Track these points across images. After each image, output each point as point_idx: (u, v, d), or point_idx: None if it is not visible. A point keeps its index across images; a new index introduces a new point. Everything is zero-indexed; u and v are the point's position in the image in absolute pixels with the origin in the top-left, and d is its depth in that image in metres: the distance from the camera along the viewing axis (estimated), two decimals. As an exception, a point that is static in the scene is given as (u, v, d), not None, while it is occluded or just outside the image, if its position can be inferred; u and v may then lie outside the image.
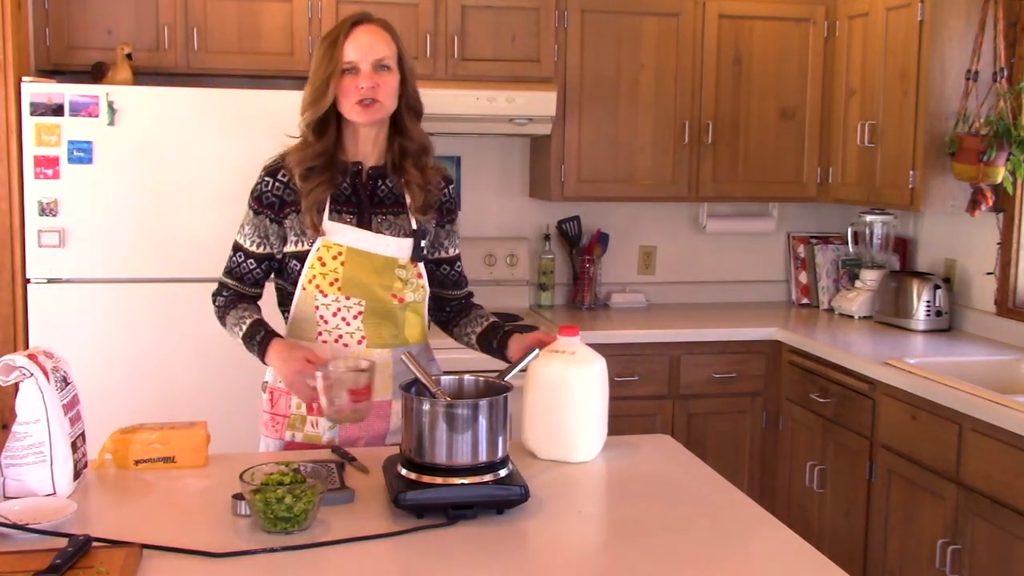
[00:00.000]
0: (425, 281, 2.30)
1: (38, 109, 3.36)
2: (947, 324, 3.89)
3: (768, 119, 4.23)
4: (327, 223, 2.19)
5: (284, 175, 2.21)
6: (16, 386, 1.83)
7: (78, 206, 3.41)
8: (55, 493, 1.83)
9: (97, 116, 3.39)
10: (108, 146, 3.41)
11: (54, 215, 3.40)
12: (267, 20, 3.75)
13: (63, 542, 1.57)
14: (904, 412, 3.18)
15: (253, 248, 2.24)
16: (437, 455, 1.83)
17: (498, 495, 1.81)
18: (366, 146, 2.24)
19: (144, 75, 3.65)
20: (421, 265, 2.28)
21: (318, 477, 1.77)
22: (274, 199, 2.21)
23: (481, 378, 2.01)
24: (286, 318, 2.30)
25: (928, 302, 3.86)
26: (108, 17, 3.66)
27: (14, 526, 1.65)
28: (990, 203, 3.51)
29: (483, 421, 1.84)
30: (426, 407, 1.84)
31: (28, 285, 3.42)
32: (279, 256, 2.25)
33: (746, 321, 4.11)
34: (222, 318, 2.28)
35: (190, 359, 3.48)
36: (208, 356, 3.43)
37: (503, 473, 1.85)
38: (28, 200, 3.39)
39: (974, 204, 3.53)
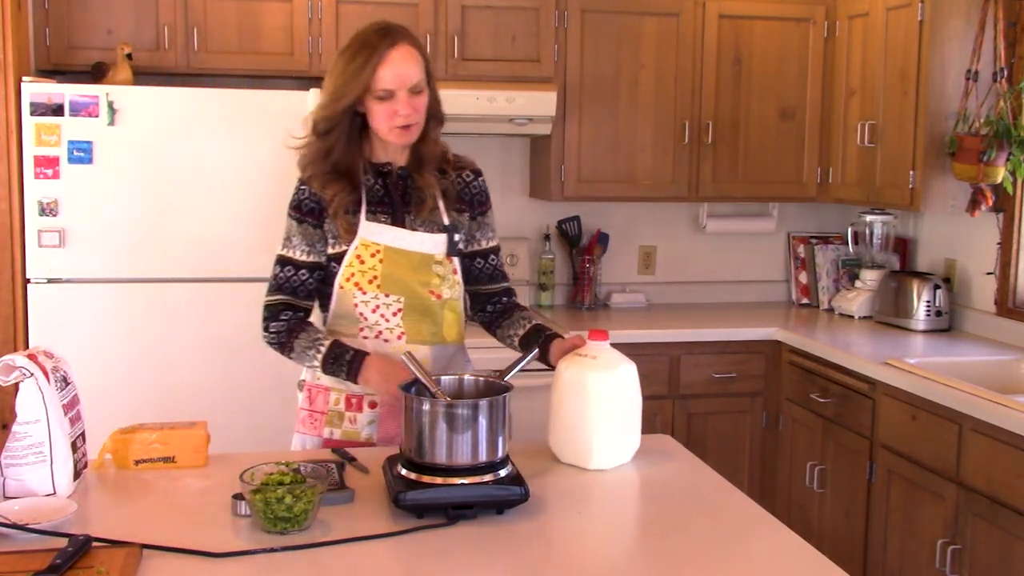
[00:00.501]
0: (460, 277, 2.31)
1: (38, 109, 3.36)
2: (947, 324, 3.89)
3: (768, 119, 4.23)
4: (364, 223, 2.21)
5: None
6: (16, 386, 1.83)
7: (78, 206, 3.41)
8: (55, 493, 1.83)
9: (97, 116, 3.39)
10: (108, 146, 3.41)
11: (54, 215, 3.40)
12: (267, 20, 3.75)
13: (63, 542, 1.57)
14: (904, 412, 3.18)
15: (303, 258, 2.24)
16: (437, 455, 1.83)
17: (498, 495, 1.81)
18: (395, 152, 2.27)
19: (144, 75, 3.65)
20: (456, 261, 2.30)
21: (318, 477, 1.77)
22: (313, 205, 2.23)
23: (481, 378, 2.02)
24: (325, 318, 2.31)
25: (928, 302, 3.86)
26: (108, 17, 3.66)
27: (14, 526, 1.65)
28: (990, 203, 3.51)
29: (483, 421, 1.84)
30: (426, 407, 1.85)
31: (28, 285, 3.42)
32: (325, 262, 2.26)
33: (746, 321, 4.11)
34: (286, 343, 2.23)
35: (190, 359, 3.48)
36: (208, 356, 3.43)
37: (503, 473, 1.85)
38: (28, 200, 3.39)
39: (974, 204, 3.52)
